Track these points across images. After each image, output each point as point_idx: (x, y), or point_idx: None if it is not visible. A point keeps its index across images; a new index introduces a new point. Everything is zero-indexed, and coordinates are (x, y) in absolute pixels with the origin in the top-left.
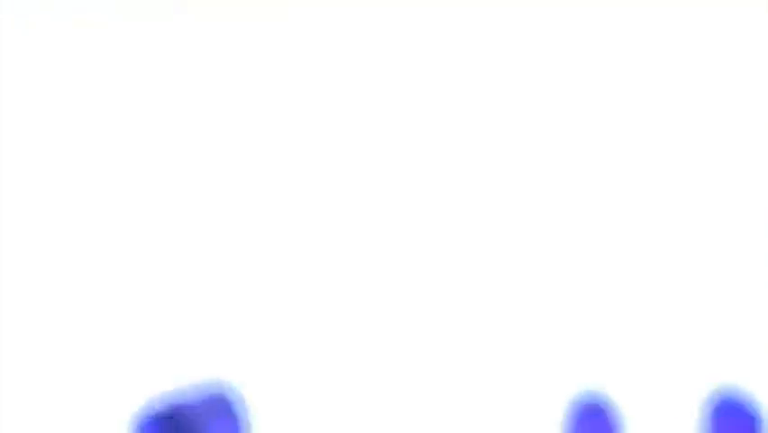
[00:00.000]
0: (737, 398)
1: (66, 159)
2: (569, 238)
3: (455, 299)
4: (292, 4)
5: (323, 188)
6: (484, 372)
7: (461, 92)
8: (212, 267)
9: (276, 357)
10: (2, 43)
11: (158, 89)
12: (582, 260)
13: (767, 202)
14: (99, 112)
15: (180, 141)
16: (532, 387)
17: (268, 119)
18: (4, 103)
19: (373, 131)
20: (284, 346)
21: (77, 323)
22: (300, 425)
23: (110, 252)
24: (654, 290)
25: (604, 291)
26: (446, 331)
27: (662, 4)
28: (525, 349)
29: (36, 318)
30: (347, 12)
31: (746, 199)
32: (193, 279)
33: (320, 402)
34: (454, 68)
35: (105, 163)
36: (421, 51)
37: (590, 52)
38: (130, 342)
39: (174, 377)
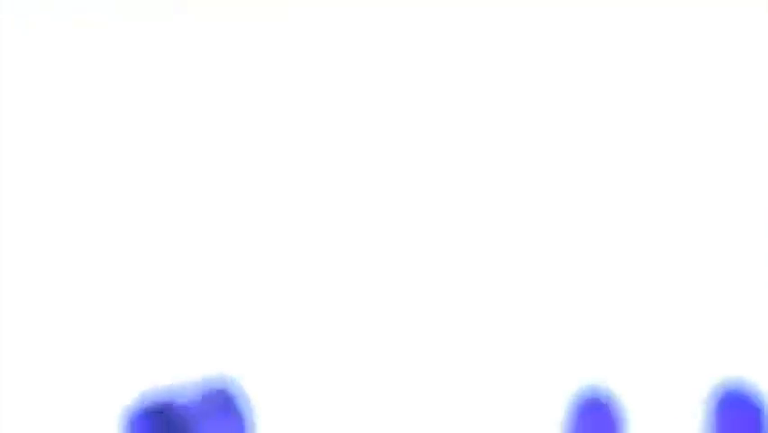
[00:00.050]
0: (742, 391)
1: (66, 158)
2: (570, 231)
3: (457, 294)
4: (292, 4)
5: (323, 186)
6: (485, 365)
7: (462, 92)
8: (214, 262)
9: (279, 352)
10: (2, 43)
11: (158, 89)
12: (584, 253)
13: (767, 200)
14: (99, 112)
15: (181, 140)
16: (533, 381)
17: (268, 119)
18: (4, 103)
19: (374, 130)
20: (286, 341)
21: (76, 317)
22: (303, 420)
23: (110, 249)
24: (657, 283)
25: (606, 284)
26: (447, 326)
27: (662, 4)
28: (526, 342)
29: (35, 316)
30: (347, 12)
31: (746, 195)
32: (194, 274)
33: (322, 398)
34: (455, 68)
35: (105, 163)
36: (421, 52)
37: (590, 52)
38: (129, 337)
39: (175, 372)
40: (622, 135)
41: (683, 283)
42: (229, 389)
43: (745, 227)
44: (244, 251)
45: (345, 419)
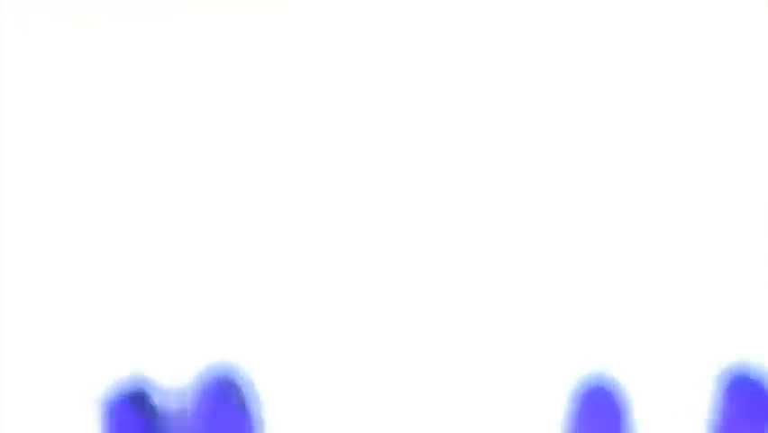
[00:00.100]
0: (749, 375)
1: (66, 158)
2: (572, 218)
3: (461, 284)
4: (292, 4)
5: (324, 185)
6: (487, 352)
7: (462, 92)
8: (215, 250)
9: (285, 341)
10: (2, 43)
11: (158, 89)
12: (588, 238)
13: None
14: (99, 112)
15: (181, 140)
16: (536, 368)
17: (268, 119)
18: (4, 103)
19: (374, 130)
20: (291, 332)
21: (75, 312)
22: (311, 410)
23: (112, 250)
24: (662, 267)
25: (610, 269)
26: (452, 315)
27: (662, 4)
28: (528, 329)
29: (35, 315)
30: (347, 12)
31: (746, 186)
32: (196, 270)
33: (329, 388)
34: (455, 68)
35: (105, 163)
36: (421, 52)
37: (590, 52)
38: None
39: (175, 361)
40: (622, 132)
41: (688, 267)
42: (233, 378)
43: (751, 212)
44: (247, 241)
45: (352, 410)
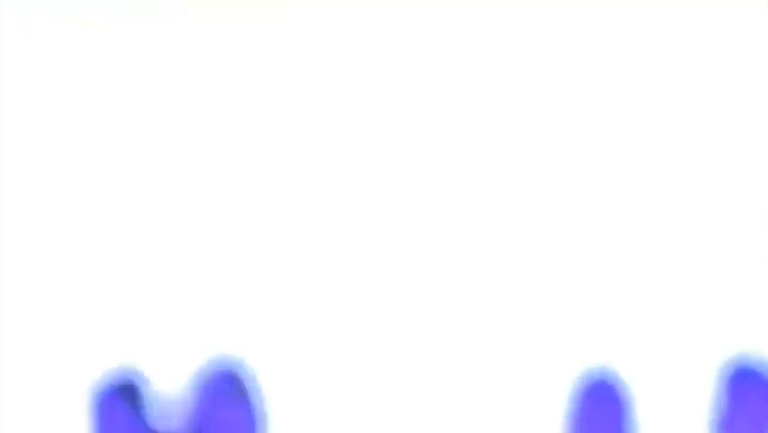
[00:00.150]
0: (752, 368)
1: (66, 157)
2: (574, 214)
3: (462, 281)
4: (292, 4)
5: (324, 182)
6: (490, 348)
7: (462, 92)
8: (217, 246)
9: (285, 337)
10: (2, 43)
11: (158, 89)
12: (589, 236)
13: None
14: (99, 112)
15: (181, 139)
16: (538, 363)
17: (268, 118)
18: (4, 103)
19: (374, 130)
20: (293, 327)
21: (75, 308)
22: (315, 406)
23: (113, 246)
24: (664, 264)
25: (612, 263)
26: (453, 312)
27: (662, 4)
28: (531, 324)
29: (35, 314)
30: (347, 12)
31: (746, 179)
32: (198, 266)
33: (327, 383)
34: (455, 68)
35: (105, 161)
36: (422, 52)
37: (590, 52)
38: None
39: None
40: (622, 133)
41: (690, 264)
42: (235, 371)
43: (751, 210)
44: (249, 237)
45: (353, 404)
